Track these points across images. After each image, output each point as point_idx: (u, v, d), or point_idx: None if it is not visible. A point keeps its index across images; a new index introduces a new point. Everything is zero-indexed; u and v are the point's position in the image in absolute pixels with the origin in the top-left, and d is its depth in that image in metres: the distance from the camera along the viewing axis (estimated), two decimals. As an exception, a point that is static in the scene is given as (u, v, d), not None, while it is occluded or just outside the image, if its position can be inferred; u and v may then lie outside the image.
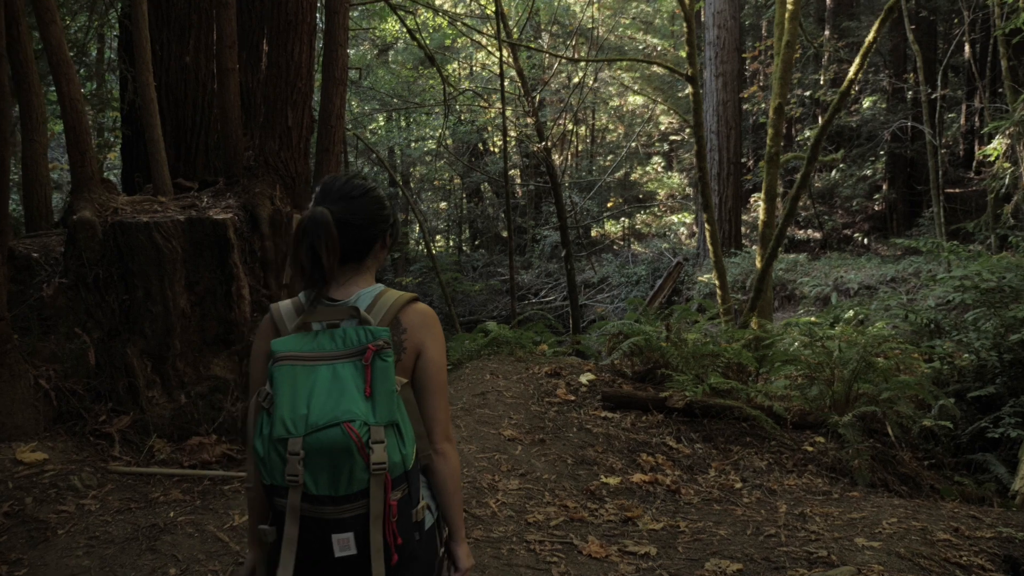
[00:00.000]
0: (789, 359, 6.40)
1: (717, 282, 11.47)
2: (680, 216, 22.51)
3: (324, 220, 1.59)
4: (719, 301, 11.59)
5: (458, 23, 13.51)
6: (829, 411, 5.96)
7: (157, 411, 4.31)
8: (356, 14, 16.36)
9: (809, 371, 6.25)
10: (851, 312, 9.93)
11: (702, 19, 21.34)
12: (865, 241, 17.79)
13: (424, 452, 1.67)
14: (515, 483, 4.65)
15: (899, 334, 9.27)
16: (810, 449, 5.58)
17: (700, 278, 15.96)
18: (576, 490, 4.67)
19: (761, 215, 10.87)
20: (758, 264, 10.81)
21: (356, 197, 1.70)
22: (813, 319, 10.62)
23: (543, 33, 21.02)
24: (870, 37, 7.58)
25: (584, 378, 6.55)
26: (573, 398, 6.24)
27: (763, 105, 19.71)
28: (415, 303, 1.73)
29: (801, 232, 18.83)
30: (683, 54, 23.19)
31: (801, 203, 19.27)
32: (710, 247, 11.48)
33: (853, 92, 14.36)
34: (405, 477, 1.55)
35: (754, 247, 18.58)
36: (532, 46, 13.87)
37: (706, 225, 11.70)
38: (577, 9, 20.76)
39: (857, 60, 7.71)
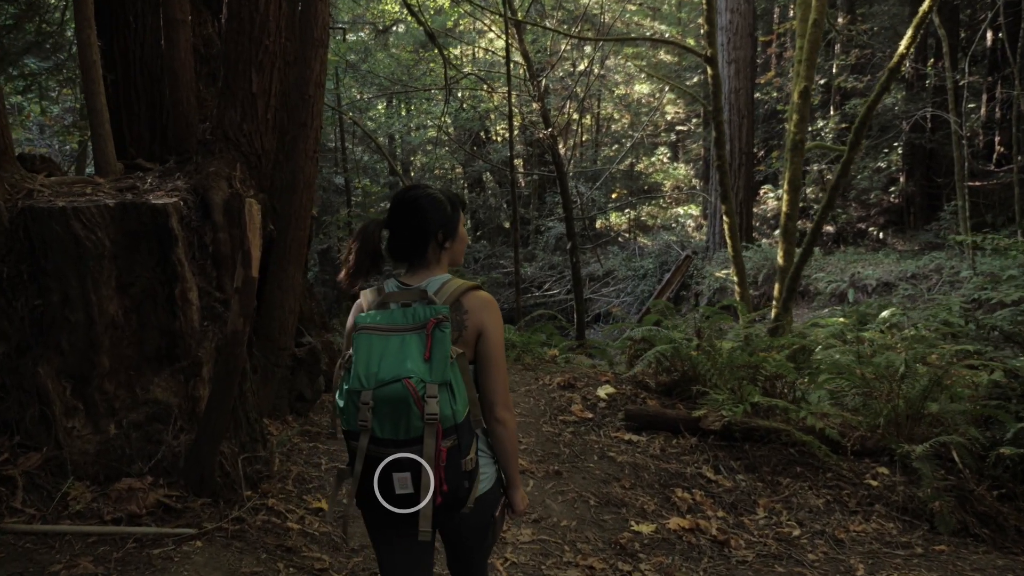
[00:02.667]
0: (841, 372, 5.41)
1: (736, 278, 10.52)
2: (686, 208, 21.48)
3: (368, 230, 1.97)
4: (737, 298, 10.64)
5: (461, 2, 12.46)
6: (890, 435, 4.99)
7: (78, 446, 3.33)
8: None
9: (867, 387, 5.26)
10: (886, 313, 8.95)
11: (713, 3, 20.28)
12: (880, 235, 16.78)
13: (477, 417, 1.87)
14: (527, 533, 3.68)
15: (939, 338, 8.31)
16: (874, 484, 4.61)
17: (717, 274, 14.95)
18: (602, 542, 3.70)
19: (784, 207, 9.86)
20: (779, 260, 9.85)
21: (411, 206, 1.94)
22: (842, 319, 9.64)
23: (547, 20, 19.92)
24: (925, 6, 6.56)
25: (602, 392, 5.58)
26: (591, 416, 5.27)
27: (775, 94, 18.67)
28: (476, 290, 1.93)
29: (812, 225, 17.82)
30: (691, 41, 22.14)
31: (813, 196, 18.24)
32: (728, 240, 10.52)
33: (904, 68, 13.14)
34: (455, 429, 1.75)
35: (764, 240, 17.57)
36: (539, 23, 12.82)
37: (724, 217, 10.68)
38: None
39: (909, 32, 6.70)
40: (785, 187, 9.79)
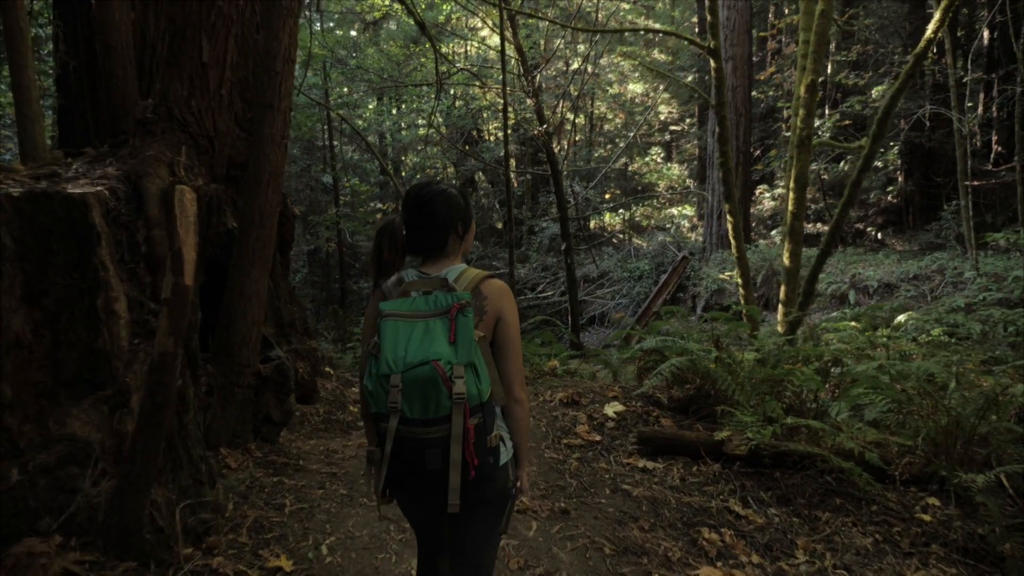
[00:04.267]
0: (878, 387, 4.71)
1: (740, 280, 9.86)
2: (680, 209, 20.79)
3: (392, 226, 1.98)
4: (742, 301, 9.97)
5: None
6: (936, 459, 4.29)
7: (-32, 497, 2.58)
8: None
9: (910, 404, 4.56)
10: (902, 317, 8.29)
11: None
12: (879, 236, 16.14)
13: (499, 395, 1.96)
14: (531, 594, 2.96)
15: (959, 343, 7.66)
16: (926, 518, 3.91)
17: (721, 276, 14.26)
18: (623, 605, 2.98)
19: (790, 206, 9.19)
20: (786, 261, 9.19)
21: (428, 201, 1.99)
22: (853, 323, 8.97)
23: (539, 21, 19.17)
24: (957, -15, 5.88)
25: (610, 409, 4.86)
26: (599, 438, 4.55)
27: (771, 92, 18.01)
28: (492, 278, 2.00)
29: (810, 226, 17.19)
30: (685, 41, 21.47)
31: (810, 195, 17.58)
32: (732, 240, 9.87)
33: (935, 54, 12.23)
34: (481, 408, 1.81)
35: (762, 241, 16.89)
36: (535, 14, 12.10)
37: (728, 216, 10.02)
38: (576, -8, 18.95)
39: (938, 15, 6.02)
40: (791, 184, 9.15)
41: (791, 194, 9.05)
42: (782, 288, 9.09)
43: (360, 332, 11.59)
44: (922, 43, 6.08)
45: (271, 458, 3.95)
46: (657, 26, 20.36)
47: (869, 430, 4.71)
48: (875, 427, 4.99)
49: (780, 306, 8.99)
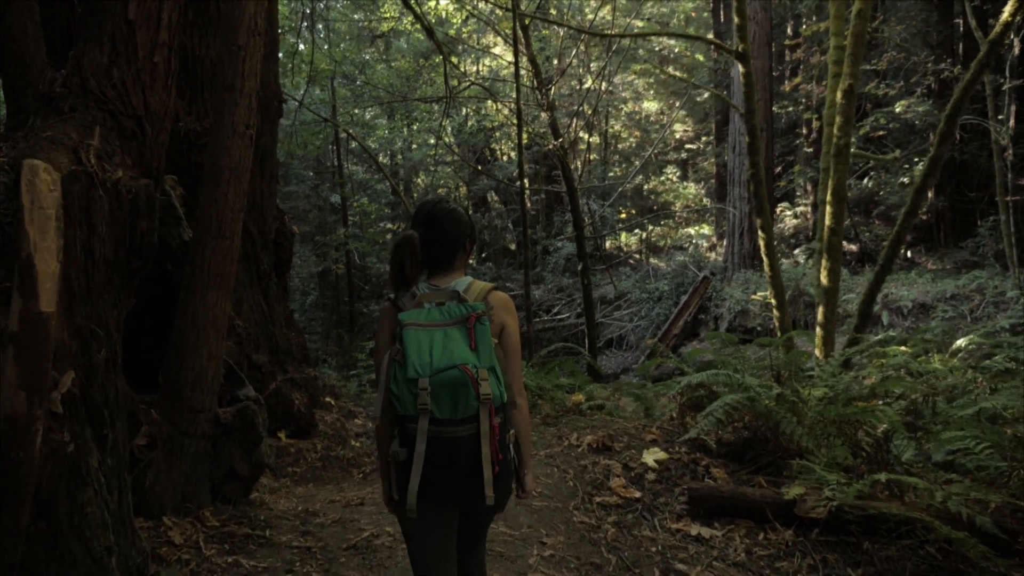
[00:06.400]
0: (977, 428, 3.77)
1: (774, 300, 8.96)
2: (697, 228, 19.88)
3: (411, 241, 1.99)
4: (777, 324, 9.06)
5: (465, 2, 11.02)
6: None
7: None
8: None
9: (1020, 451, 3.62)
10: (963, 341, 7.33)
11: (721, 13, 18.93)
12: (909, 254, 15.14)
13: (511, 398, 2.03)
14: None
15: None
16: (1071, 608, 2.96)
17: (754, 296, 13.33)
18: None
19: (827, 221, 8.37)
20: (824, 280, 8.33)
21: (439, 219, 2.07)
22: (904, 348, 8.02)
23: (552, 36, 18.50)
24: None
25: (650, 457, 3.94)
26: (638, 494, 3.63)
27: (791, 108, 17.13)
28: (497, 290, 2.07)
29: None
30: (700, 57, 20.69)
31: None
32: (765, 258, 9.05)
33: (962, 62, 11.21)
34: (502, 407, 1.91)
35: (785, 260, 15.94)
36: (549, 19, 11.36)
37: (760, 232, 9.16)
38: (587, 9, 18.26)
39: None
40: (828, 197, 8.31)
41: (828, 208, 8.20)
42: (819, 309, 8.20)
43: (365, 356, 10.80)
44: (998, 27, 5.21)
45: (229, 528, 3.07)
46: (671, 43, 19.63)
47: (961, 481, 3.77)
48: (946, 469, 4.08)
49: (818, 328, 8.09)
